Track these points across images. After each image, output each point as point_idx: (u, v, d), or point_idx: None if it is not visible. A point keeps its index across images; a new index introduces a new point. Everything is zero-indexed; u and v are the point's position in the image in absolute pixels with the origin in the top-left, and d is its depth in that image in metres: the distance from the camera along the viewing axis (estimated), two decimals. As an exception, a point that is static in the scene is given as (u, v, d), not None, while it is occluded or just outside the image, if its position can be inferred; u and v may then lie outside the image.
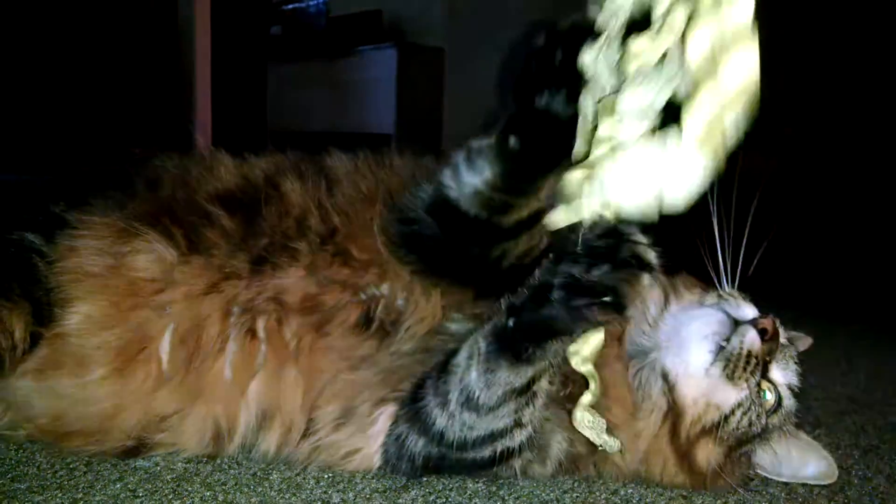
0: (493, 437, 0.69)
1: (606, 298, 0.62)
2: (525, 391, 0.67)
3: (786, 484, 0.81)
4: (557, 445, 0.74)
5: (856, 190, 1.71)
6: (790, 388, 0.79)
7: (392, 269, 0.77)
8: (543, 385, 0.69)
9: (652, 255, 0.63)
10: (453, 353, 0.71)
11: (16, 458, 0.75)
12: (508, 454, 0.71)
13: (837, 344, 1.47)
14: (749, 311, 0.76)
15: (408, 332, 0.76)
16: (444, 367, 0.70)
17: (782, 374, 0.78)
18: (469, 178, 0.69)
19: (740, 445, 0.76)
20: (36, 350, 0.74)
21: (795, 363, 0.80)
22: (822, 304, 1.69)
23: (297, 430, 0.75)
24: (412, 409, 0.71)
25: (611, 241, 0.62)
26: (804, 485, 0.81)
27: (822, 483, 0.81)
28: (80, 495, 0.69)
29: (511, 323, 0.65)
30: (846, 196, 1.70)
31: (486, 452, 0.71)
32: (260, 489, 0.72)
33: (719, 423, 0.74)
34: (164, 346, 0.74)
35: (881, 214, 1.64)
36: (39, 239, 0.78)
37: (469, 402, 0.67)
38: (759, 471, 0.81)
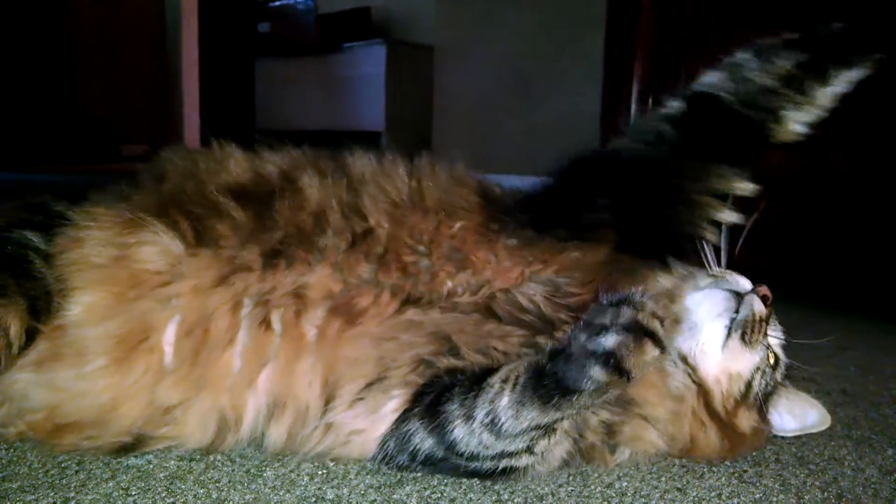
0: (501, 455, 0.70)
1: (600, 364, 0.62)
2: (548, 428, 0.68)
3: (779, 475, 0.82)
4: (560, 450, 0.74)
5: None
6: (781, 344, 0.85)
7: (458, 263, 0.78)
8: (566, 425, 0.70)
9: (657, 325, 0.64)
10: (489, 371, 0.70)
11: (7, 458, 0.74)
12: (510, 471, 0.72)
13: (830, 336, 1.47)
14: (745, 282, 0.81)
15: (467, 296, 0.78)
16: (477, 381, 0.70)
17: (774, 334, 0.84)
18: (757, 75, 0.76)
19: (766, 402, 0.82)
20: (34, 344, 0.74)
21: (777, 321, 0.85)
22: (814, 294, 1.70)
23: (313, 414, 0.74)
24: (431, 411, 0.71)
25: (619, 309, 0.64)
26: (797, 475, 0.82)
27: (821, 429, 0.89)
28: (71, 494, 0.68)
29: (547, 368, 0.65)
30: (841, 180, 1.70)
31: (489, 465, 0.71)
32: (254, 486, 0.72)
33: (746, 390, 0.79)
34: (169, 336, 0.74)
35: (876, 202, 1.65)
36: (38, 236, 0.77)
37: (493, 426, 0.67)
38: (773, 431, 0.87)
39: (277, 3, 4.86)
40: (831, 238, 1.71)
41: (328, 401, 0.74)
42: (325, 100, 4.47)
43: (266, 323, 0.75)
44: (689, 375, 0.78)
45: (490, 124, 3.42)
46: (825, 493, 0.78)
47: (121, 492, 0.69)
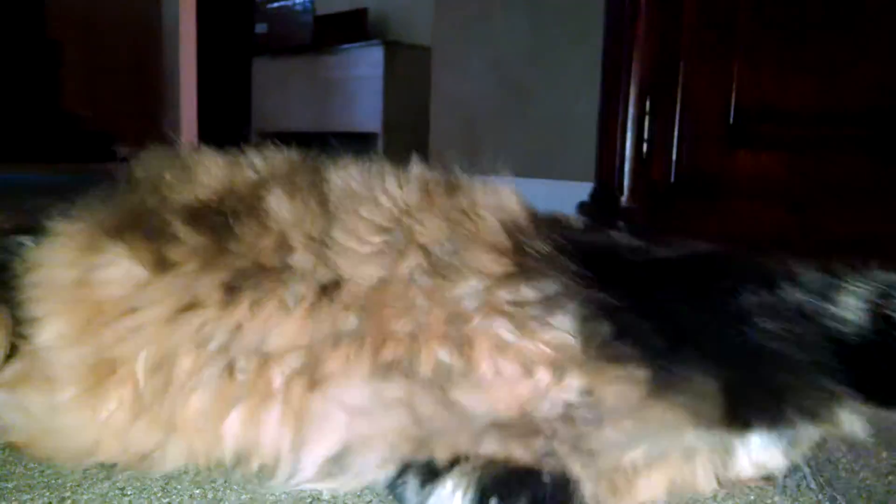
0: None
1: None
2: None
3: (773, 477, 0.82)
4: None
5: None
6: None
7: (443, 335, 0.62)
8: None
9: None
10: (448, 464, 0.63)
11: (2, 457, 0.74)
12: None
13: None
14: None
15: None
16: (433, 472, 0.63)
17: None
18: None
19: None
20: (13, 361, 0.72)
21: None
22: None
23: (281, 472, 0.68)
24: (392, 492, 0.66)
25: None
26: (791, 477, 0.82)
27: None
28: (67, 493, 0.68)
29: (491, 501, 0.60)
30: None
31: None
32: (250, 486, 0.71)
33: None
34: (138, 371, 0.68)
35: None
36: (32, 242, 0.75)
37: None
38: None
39: (275, 5, 4.86)
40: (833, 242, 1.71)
41: (295, 461, 0.67)
42: (322, 101, 4.47)
43: (230, 368, 0.67)
44: None
45: (487, 126, 3.43)
46: (820, 495, 0.78)
47: (116, 492, 0.69)
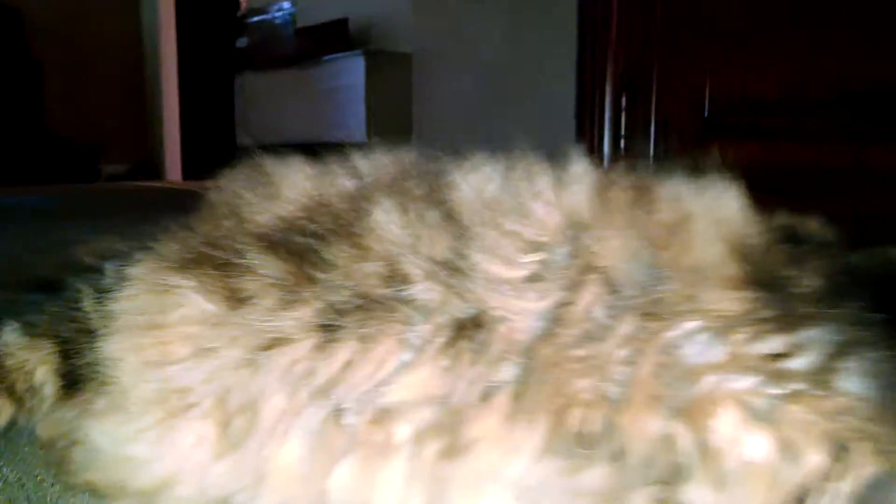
0: None
1: None
2: None
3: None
4: None
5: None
6: None
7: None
8: None
9: None
10: None
11: (-18, 473, 0.75)
12: None
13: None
14: None
15: None
16: None
17: None
18: None
19: None
20: (92, 390, 0.69)
21: None
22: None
23: None
24: None
25: None
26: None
27: None
28: (47, 506, 0.69)
29: None
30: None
31: None
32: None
33: None
34: (215, 410, 0.60)
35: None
36: (115, 268, 0.69)
37: None
38: None
39: (256, 19, 4.88)
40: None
41: None
42: (307, 112, 4.49)
43: (335, 413, 0.54)
44: None
45: (469, 129, 3.45)
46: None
47: (97, 501, 0.69)
